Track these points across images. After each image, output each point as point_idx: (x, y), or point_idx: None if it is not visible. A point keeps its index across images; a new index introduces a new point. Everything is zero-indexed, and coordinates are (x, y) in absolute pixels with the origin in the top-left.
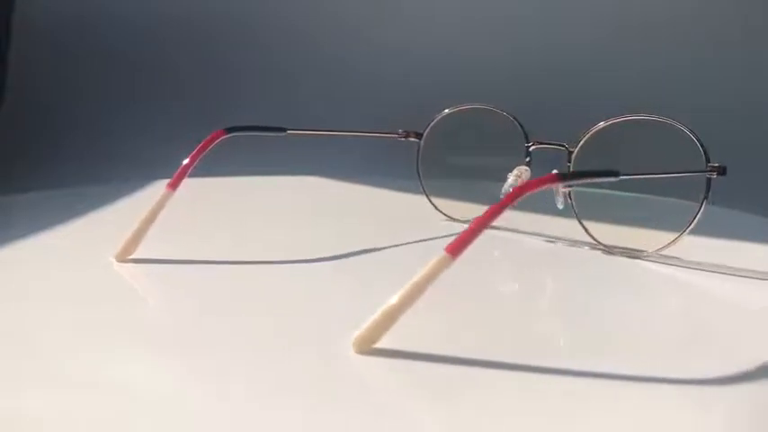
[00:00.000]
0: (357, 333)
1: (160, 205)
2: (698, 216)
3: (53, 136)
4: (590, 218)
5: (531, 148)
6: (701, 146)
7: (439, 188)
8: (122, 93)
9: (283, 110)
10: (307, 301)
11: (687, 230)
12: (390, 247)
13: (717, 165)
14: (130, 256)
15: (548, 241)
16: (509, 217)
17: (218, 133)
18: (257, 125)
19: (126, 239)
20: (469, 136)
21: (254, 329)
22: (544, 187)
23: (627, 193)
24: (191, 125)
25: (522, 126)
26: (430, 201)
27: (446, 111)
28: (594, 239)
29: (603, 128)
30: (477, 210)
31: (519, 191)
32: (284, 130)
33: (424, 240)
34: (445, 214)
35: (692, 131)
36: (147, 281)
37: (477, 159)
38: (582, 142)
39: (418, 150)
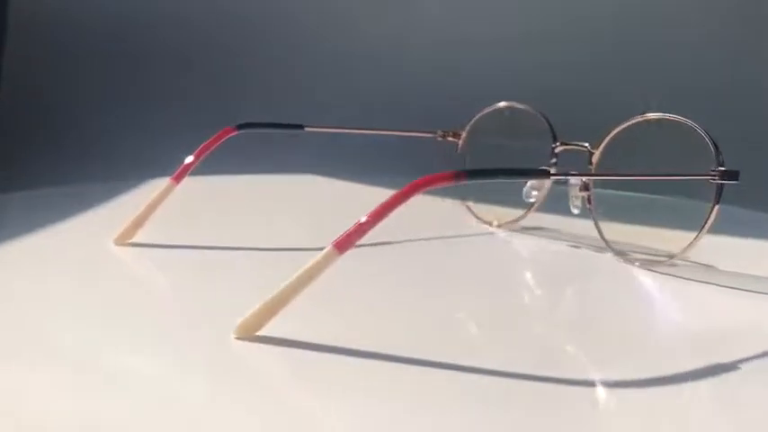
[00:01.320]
0: (240, 320)
1: (162, 196)
2: (706, 226)
3: (52, 135)
4: (612, 221)
5: (556, 149)
6: (715, 148)
7: (475, 190)
8: (121, 91)
9: (289, 109)
10: (238, 290)
11: (689, 246)
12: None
13: (723, 169)
14: (129, 241)
15: (571, 246)
16: (541, 217)
17: (228, 130)
18: (272, 122)
19: (126, 225)
20: (504, 136)
21: (164, 312)
22: (444, 184)
23: (659, 197)
24: (192, 125)
25: (551, 126)
26: (466, 205)
27: (484, 110)
28: (610, 247)
29: (625, 128)
30: (506, 213)
31: (414, 187)
32: (302, 127)
33: (409, 241)
34: (478, 218)
35: (706, 132)
36: (140, 262)
37: (510, 160)
38: (604, 143)
39: (456, 151)
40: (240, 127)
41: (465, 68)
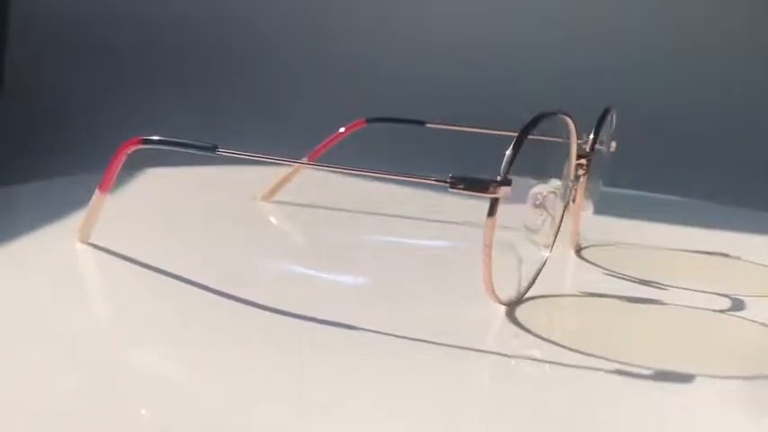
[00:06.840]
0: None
1: (296, 171)
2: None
3: (51, 132)
4: None
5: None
6: (510, 157)
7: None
8: (120, 89)
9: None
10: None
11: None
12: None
13: (458, 176)
14: (272, 199)
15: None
16: None
17: (359, 122)
18: (396, 117)
19: (271, 185)
20: None
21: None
22: (130, 149)
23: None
24: (190, 122)
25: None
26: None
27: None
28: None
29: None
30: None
31: (118, 152)
32: (423, 123)
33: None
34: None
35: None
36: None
37: None
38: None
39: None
40: (368, 120)
41: None
